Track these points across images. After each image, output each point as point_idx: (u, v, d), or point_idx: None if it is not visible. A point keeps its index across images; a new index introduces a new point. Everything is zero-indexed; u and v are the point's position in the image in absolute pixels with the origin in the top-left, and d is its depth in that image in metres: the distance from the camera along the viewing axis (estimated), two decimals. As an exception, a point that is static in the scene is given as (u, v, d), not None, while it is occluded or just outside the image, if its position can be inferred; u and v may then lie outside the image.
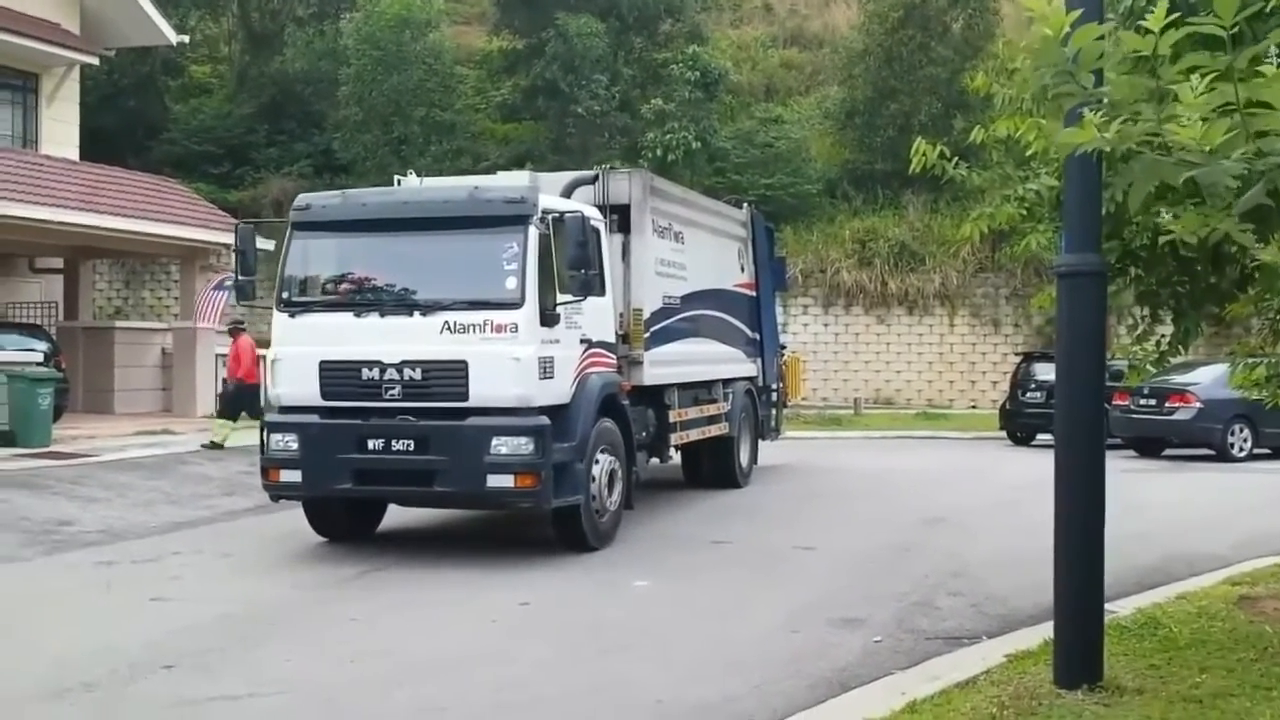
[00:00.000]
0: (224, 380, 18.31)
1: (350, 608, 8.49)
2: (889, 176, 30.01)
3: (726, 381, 14.64)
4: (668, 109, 30.35)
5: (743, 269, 15.60)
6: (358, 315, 9.93)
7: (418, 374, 9.68)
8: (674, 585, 9.37)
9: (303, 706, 6.25)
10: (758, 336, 15.92)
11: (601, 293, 10.78)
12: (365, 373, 9.77)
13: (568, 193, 11.30)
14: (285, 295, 10.30)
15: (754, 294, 15.90)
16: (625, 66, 33.11)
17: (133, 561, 10.18)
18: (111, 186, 21.78)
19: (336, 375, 9.90)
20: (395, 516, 11.71)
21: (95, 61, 24.21)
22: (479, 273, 9.93)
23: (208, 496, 13.78)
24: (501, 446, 9.48)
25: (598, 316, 10.71)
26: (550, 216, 9.82)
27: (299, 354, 10.06)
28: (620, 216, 11.80)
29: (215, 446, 17.05)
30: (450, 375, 9.59)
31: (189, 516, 11.10)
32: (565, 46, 30.53)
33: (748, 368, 15.52)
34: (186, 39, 28.10)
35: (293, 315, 10.20)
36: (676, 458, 13.87)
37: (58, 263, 23.91)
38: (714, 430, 14.01)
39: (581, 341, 10.39)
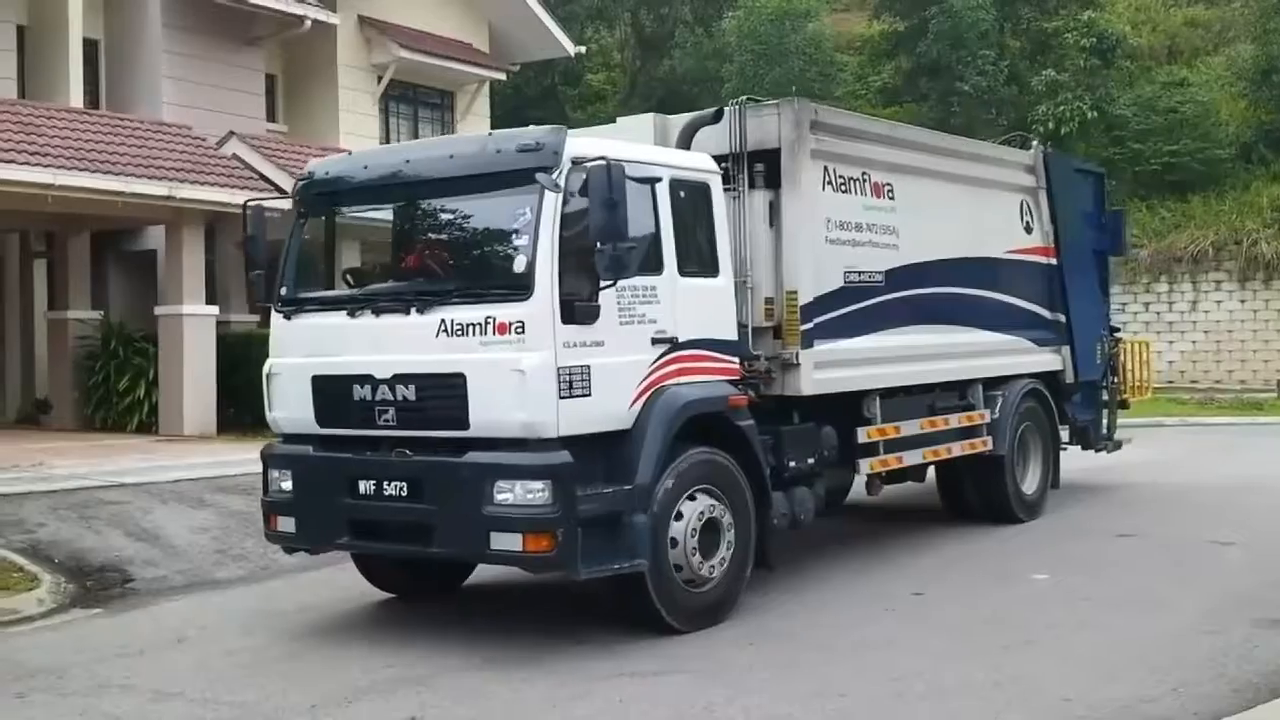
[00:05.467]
0: None
1: (746, 588, 8.68)
2: (1314, 137, 27.32)
3: (992, 381, 11.06)
4: (1060, 79, 29.08)
5: (1029, 229, 11.79)
6: (351, 314, 7.63)
7: (411, 392, 7.29)
8: (1076, 579, 8.99)
9: (706, 685, 6.50)
10: (1061, 318, 12.07)
11: (713, 273, 8.04)
12: (357, 391, 7.47)
13: (685, 141, 8.68)
14: (283, 291, 8.08)
15: (1051, 261, 12.04)
16: (1013, 39, 32.01)
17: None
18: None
19: (328, 394, 7.66)
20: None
21: (503, 77, 25.98)
22: (486, 251, 7.69)
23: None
24: (505, 494, 6.93)
25: (695, 305, 7.81)
26: (589, 168, 6.99)
27: (292, 366, 7.87)
28: (769, 166, 8.80)
29: None
30: (446, 394, 7.13)
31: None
32: (951, 23, 29.89)
33: (1038, 360, 11.78)
34: (584, 49, 29.57)
35: (288, 316, 8.00)
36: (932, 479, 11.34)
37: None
38: (961, 448, 10.52)
39: (656, 342, 7.52)
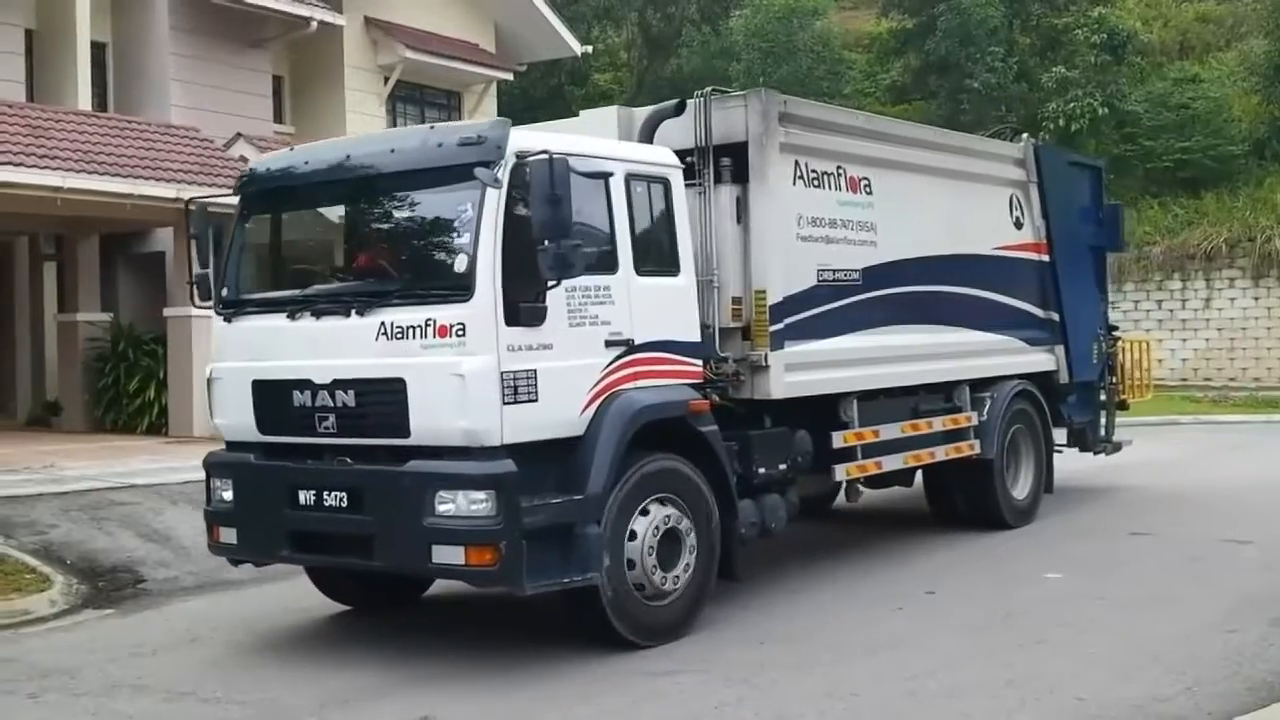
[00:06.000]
0: None
1: (746, 590, 8.61)
2: (1326, 133, 27.21)
3: (981, 383, 10.68)
4: (1070, 76, 29.01)
5: (1019, 225, 11.36)
6: (291, 317, 7.28)
7: (351, 398, 6.98)
8: (1089, 578, 8.95)
9: (716, 685, 6.48)
10: (1054, 316, 11.65)
11: (674, 272, 7.70)
12: (296, 396, 7.18)
13: (647, 134, 8.33)
14: (224, 292, 7.83)
15: (1043, 258, 11.61)
16: (1022, 35, 31.98)
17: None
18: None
19: (269, 400, 7.38)
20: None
21: (509, 77, 25.99)
22: (427, 250, 7.33)
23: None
24: (446, 504, 6.62)
25: (653, 305, 7.47)
26: (530, 163, 6.67)
27: (233, 370, 7.63)
28: (736, 160, 8.45)
29: None
30: (385, 400, 6.82)
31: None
32: (959, 20, 29.84)
33: (1029, 360, 11.37)
34: (590, 49, 29.56)
35: (229, 319, 7.72)
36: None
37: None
38: (946, 452, 10.12)
39: (611, 344, 7.21)
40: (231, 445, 7.76)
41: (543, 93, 35.39)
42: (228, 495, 7.62)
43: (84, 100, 17.80)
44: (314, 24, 20.55)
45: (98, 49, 18.81)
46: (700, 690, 6.41)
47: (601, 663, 6.92)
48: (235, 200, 8.02)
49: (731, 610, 8.09)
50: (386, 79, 22.77)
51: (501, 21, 25.36)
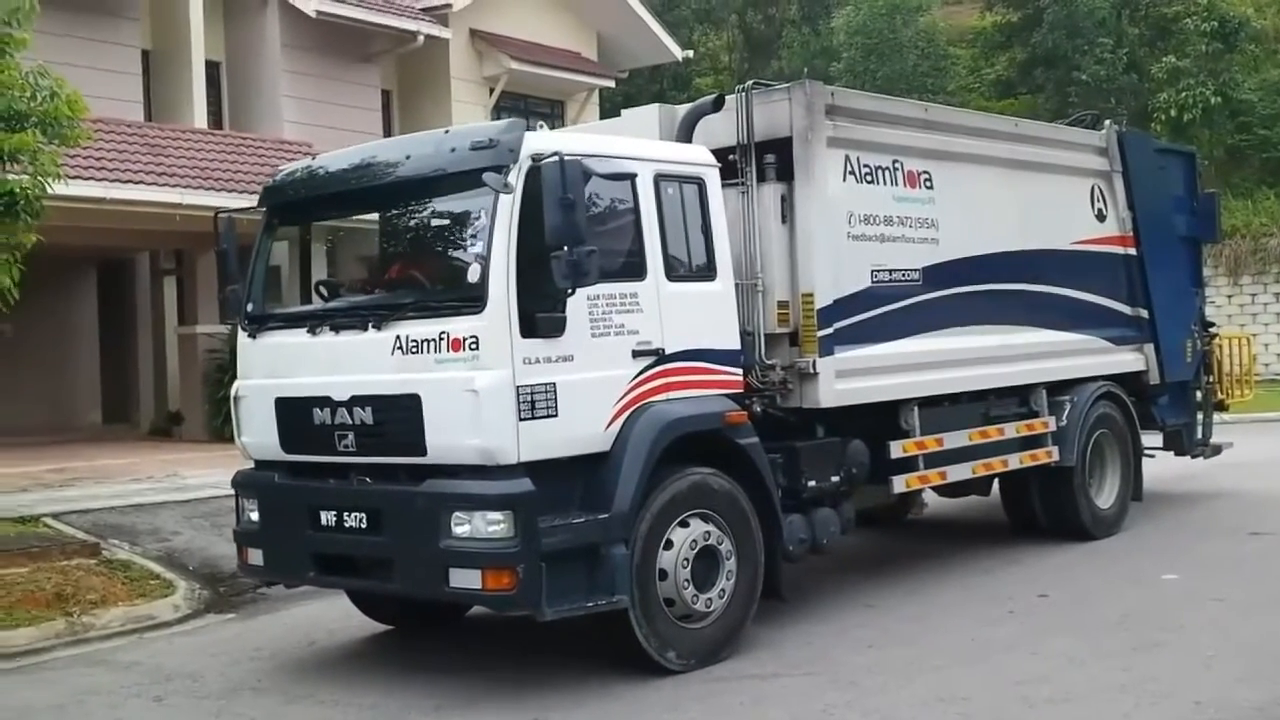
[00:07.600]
0: None
1: (864, 591, 8.65)
2: None
3: (1060, 386, 10.03)
4: (1181, 66, 28.31)
5: (1101, 217, 10.65)
6: (312, 332, 7.11)
7: (369, 415, 6.75)
8: (1207, 579, 8.74)
9: (824, 688, 6.47)
10: (1142, 313, 10.92)
11: (709, 276, 7.32)
12: (317, 414, 6.96)
13: (686, 132, 7.89)
14: (250, 307, 7.62)
15: (1129, 251, 10.87)
16: (1131, 25, 31.30)
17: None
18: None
19: (291, 417, 7.18)
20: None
21: (611, 84, 26.17)
22: (442, 260, 7.09)
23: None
24: (463, 525, 6.35)
25: (686, 312, 7.08)
26: (542, 165, 6.33)
27: (257, 388, 7.44)
28: (780, 156, 8.00)
29: None
30: (401, 417, 6.56)
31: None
32: (1066, 12, 29.34)
33: (1115, 360, 10.67)
34: (691, 54, 29.59)
35: (253, 335, 7.54)
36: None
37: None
38: (1020, 460, 9.54)
39: (638, 354, 6.84)
40: (259, 464, 7.60)
41: (646, 99, 35.48)
42: (254, 516, 7.48)
43: (200, 118, 18.37)
44: (421, 38, 20.95)
45: (212, 68, 19.40)
46: (808, 693, 6.41)
47: (717, 664, 6.93)
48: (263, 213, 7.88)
49: (844, 613, 8.09)
50: (491, 90, 23.09)
51: (603, 29, 25.55)
